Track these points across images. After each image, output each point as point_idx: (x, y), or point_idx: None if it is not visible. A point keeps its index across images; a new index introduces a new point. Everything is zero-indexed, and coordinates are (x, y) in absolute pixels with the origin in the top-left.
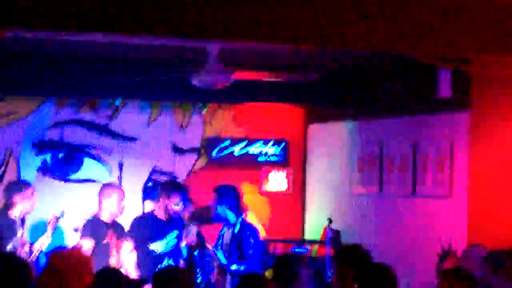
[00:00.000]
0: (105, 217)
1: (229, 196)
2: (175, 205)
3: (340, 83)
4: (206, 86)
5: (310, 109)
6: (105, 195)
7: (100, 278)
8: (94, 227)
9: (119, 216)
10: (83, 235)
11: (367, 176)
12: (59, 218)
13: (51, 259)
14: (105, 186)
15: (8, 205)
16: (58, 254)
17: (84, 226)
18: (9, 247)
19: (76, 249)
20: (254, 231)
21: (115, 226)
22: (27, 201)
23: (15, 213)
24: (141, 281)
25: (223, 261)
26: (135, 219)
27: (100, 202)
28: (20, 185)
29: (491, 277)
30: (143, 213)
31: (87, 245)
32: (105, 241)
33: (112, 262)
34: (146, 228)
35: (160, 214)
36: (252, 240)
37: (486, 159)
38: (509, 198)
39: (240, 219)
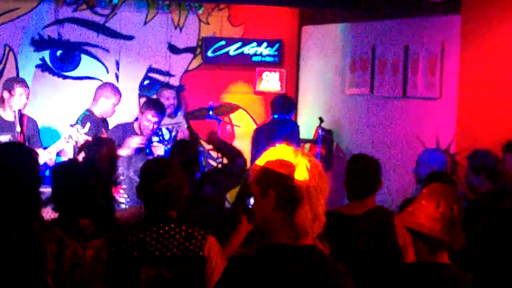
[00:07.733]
0: (97, 113)
1: None
2: (147, 121)
3: None
4: None
5: (304, 11)
6: (102, 93)
7: None
8: (91, 120)
9: (109, 117)
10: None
11: (360, 78)
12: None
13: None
14: (106, 85)
15: None
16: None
17: (81, 117)
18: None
19: None
20: None
21: (106, 123)
22: None
23: None
24: None
25: None
26: (115, 126)
27: (96, 96)
28: None
29: (472, 177)
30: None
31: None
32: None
33: None
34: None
35: (137, 128)
36: None
37: (476, 62)
38: (497, 100)
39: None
